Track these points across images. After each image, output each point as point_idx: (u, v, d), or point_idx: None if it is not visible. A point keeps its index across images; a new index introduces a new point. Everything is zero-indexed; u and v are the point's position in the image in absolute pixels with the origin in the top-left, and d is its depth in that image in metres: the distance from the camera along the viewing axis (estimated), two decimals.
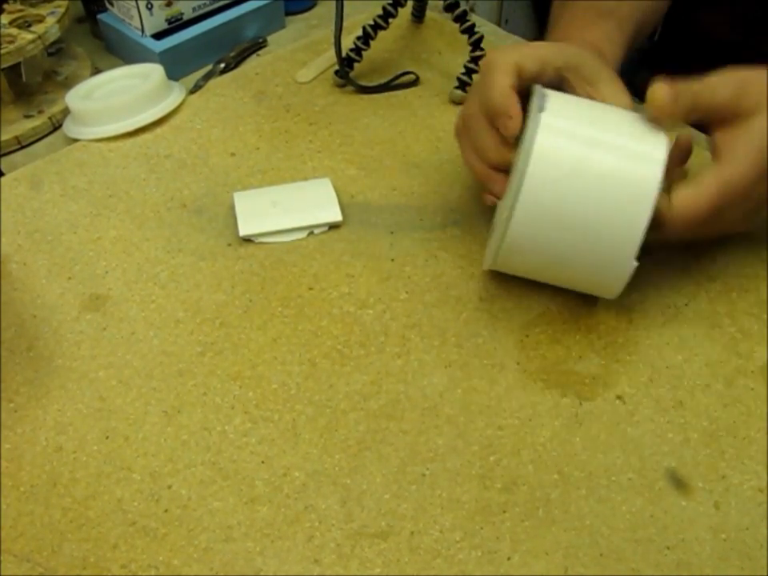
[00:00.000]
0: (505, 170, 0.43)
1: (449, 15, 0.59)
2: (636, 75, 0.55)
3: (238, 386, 0.41)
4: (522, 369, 0.42)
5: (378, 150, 0.56)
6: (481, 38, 0.57)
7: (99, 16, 0.66)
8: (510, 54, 0.42)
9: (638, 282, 0.47)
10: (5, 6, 0.59)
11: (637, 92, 0.59)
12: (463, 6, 0.58)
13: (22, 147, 0.57)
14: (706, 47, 0.62)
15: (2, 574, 0.34)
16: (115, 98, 0.56)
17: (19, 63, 0.56)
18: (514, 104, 0.40)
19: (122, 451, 0.38)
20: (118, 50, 0.67)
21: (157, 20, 0.63)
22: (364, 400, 0.41)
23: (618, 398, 0.41)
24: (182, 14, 0.64)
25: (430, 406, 0.41)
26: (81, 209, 0.51)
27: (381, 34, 0.61)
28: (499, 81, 0.41)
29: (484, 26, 0.65)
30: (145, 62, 0.61)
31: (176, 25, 0.64)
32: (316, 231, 0.50)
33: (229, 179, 0.54)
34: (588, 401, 0.41)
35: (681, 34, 0.65)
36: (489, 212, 0.48)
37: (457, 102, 0.60)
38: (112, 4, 0.64)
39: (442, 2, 0.59)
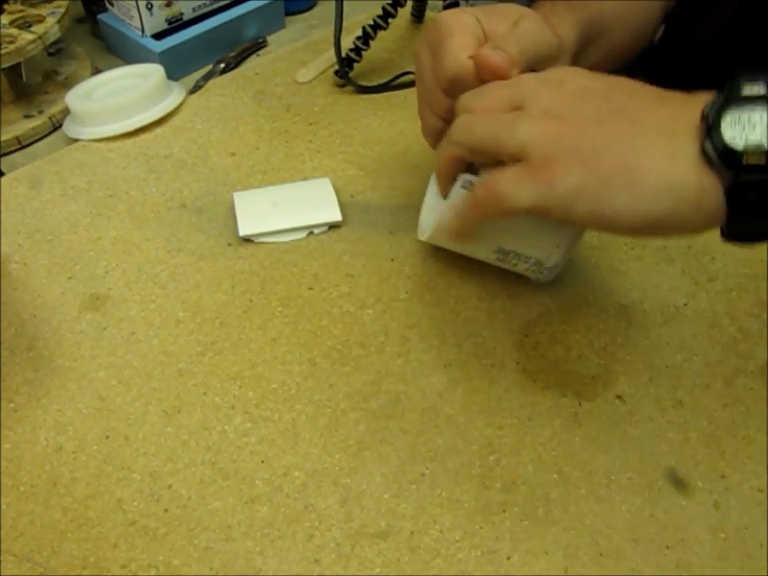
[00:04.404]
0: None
1: None
2: (635, 77, 0.55)
3: (238, 385, 0.41)
4: (521, 369, 0.42)
5: (378, 150, 0.56)
6: None
7: (99, 16, 0.66)
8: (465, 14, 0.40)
9: (638, 281, 0.47)
10: (5, 6, 0.59)
11: None
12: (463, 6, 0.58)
13: (22, 147, 0.57)
14: (706, 51, 0.62)
15: (2, 574, 0.34)
16: (115, 98, 0.56)
17: (19, 63, 0.56)
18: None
19: (122, 451, 0.39)
20: (118, 50, 0.67)
21: (157, 20, 0.63)
22: (364, 400, 0.41)
23: (618, 397, 0.41)
24: (181, 14, 0.64)
25: (430, 406, 0.41)
26: (81, 209, 0.51)
27: (381, 34, 0.61)
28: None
29: None
30: (145, 62, 0.61)
31: (176, 25, 0.65)
32: (316, 231, 0.50)
33: (229, 179, 0.54)
34: (588, 401, 0.41)
35: (680, 38, 0.65)
36: None
37: None
38: (112, 4, 0.64)
39: (441, 2, 0.59)
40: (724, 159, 0.29)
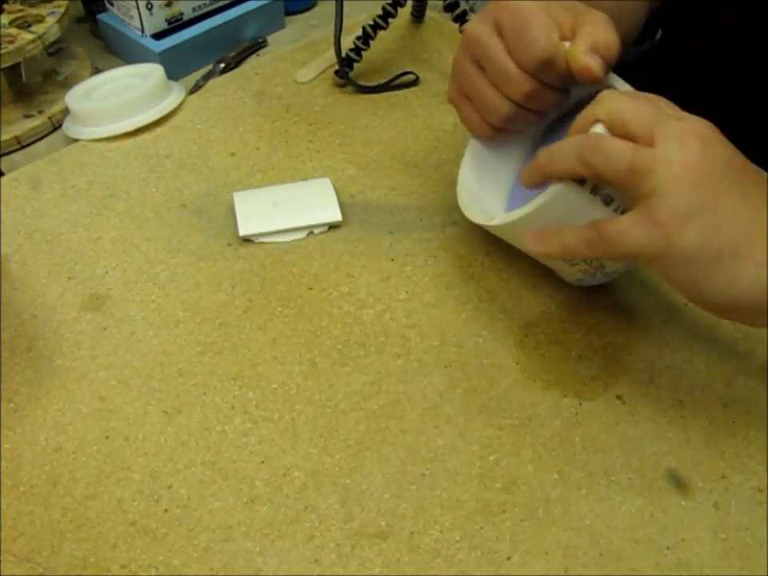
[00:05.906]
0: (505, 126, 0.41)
1: (449, 15, 0.59)
2: (635, 75, 0.55)
3: (238, 385, 0.41)
4: (521, 369, 0.42)
5: (378, 150, 0.56)
6: None
7: (99, 16, 0.66)
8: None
9: (638, 281, 0.47)
10: (5, 6, 0.59)
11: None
12: (463, 6, 0.58)
13: (22, 147, 0.57)
14: (708, 56, 0.62)
15: (2, 574, 0.34)
16: (115, 98, 0.56)
17: (19, 63, 0.56)
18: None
19: (122, 451, 0.39)
20: (118, 50, 0.67)
21: (157, 20, 0.63)
22: (364, 400, 0.41)
23: (618, 397, 0.41)
24: (181, 13, 0.64)
25: (430, 405, 0.41)
26: (81, 209, 0.51)
27: (381, 33, 0.61)
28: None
29: None
30: (145, 62, 0.61)
31: (176, 25, 0.65)
32: (316, 231, 0.50)
33: (229, 179, 0.54)
34: (588, 401, 0.41)
35: (680, 37, 0.65)
36: None
37: None
38: (112, 4, 0.64)
39: (441, 2, 0.59)
40: None
